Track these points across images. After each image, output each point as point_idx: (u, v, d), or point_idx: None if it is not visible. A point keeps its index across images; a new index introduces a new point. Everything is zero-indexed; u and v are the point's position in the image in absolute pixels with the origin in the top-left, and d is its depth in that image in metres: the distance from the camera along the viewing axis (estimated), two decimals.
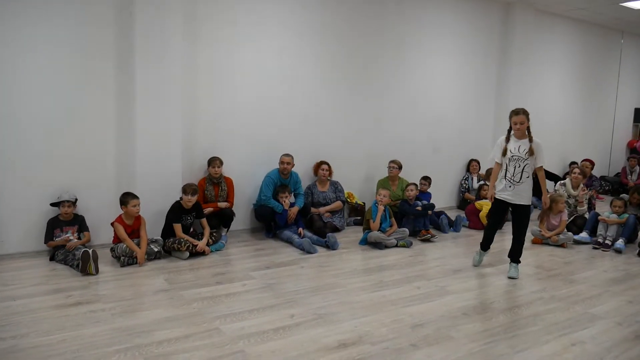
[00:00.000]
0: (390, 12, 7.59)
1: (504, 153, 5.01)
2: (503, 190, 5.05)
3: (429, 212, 6.74)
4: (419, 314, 4.05)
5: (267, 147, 6.65)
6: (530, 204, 5.08)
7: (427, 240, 6.43)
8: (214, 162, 6.08)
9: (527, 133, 4.92)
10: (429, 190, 7.61)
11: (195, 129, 6.15)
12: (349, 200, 7.36)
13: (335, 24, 7.10)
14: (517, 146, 4.95)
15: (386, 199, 6.27)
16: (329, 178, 7.02)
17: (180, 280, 4.72)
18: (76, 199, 5.36)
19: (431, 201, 7.34)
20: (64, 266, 4.97)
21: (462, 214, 7.62)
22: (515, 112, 4.90)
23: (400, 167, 7.25)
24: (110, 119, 5.62)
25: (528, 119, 4.88)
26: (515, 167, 4.95)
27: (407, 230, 6.32)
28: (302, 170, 6.92)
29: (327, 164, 6.98)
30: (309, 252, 5.71)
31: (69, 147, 5.43)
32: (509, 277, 5.08)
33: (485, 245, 5.43)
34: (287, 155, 6.47)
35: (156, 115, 5.65)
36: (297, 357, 3.28)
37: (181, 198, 5.52)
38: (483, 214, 7.15)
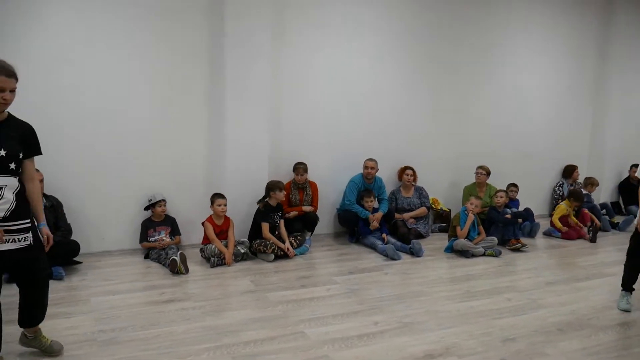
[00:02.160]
0: (475, 12, 7.33)
1: None
2: None
3: (519, 220, 6.43)
4: (509, 327, 3.87)
5: (352, 152, 6.64)
6: None
7: (518, 250, 6.13)
8: (299, 169, 6.16)
9: None
10: (517, 197, 7.28)
11: (281, 133, 6.26)
12: (433, 206, 7.20)
13: (420, 27, 6.97)
14: None
15: (477, 209, 6.06)
16: (413, 183, 6.90)
17: (265, 282, 4.81)
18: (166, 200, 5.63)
19: (520, 208, 7.04)
20: (157, 264, 5.21)
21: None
22: None
23: (488, 174, 7.00)
24: (201, 125, 5.84)
25: None
26: None
27: (495, 238, 6.07)
28: (386, 175, 6.85)
29: (412, 169, 6.86)
30: (393, 259, 5.63)
31: (163, 152, 5.71)
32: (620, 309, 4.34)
33: (626, 284, 4.44)
34: (371, 159, 6.43)
35: (244, 120, 5.81)
36: None
37: (266, 197, 5.64)
38: (555, 218, 6.93)
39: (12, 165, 2.83)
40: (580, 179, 8.28)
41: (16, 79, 2.77)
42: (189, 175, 5.86)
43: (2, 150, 2.78)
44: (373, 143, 6.77)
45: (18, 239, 2.86)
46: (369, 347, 3.49)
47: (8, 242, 2.83)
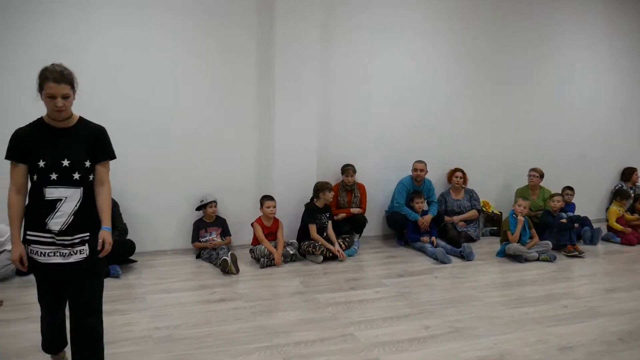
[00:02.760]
0: (527, 9, 7.14)
1: None
2: None
3: (575, 224, 6.21)
4: (567, 336, 3.74)
5: (400, 154, 6.58)
6: None
7: (575, 256, 5.92)
8: (347, 171, 6.15)
9: None
10: (573, 200, 7.05)
11: (330, 135, 6.27)
12: (484, 209, 7.05)
13: (469, 28, 6.84)
14: None
15: (525, 210, 5.89)
16: (463, 186, 6.78)
17: (315, 283, 4.82)
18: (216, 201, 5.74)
19: (575, 212, 6.80)
20: (208, 264, 5.31)
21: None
22: None
23: (542, 176, 6.79)
24: (251, 127, 5.93)
25: None
26: None
27: (550, 243, 5.89)
28: (436, 177, 6.75)
29: (462, 171, 6.74)
30: (443, 262, 5.55)
31: (214, 154, 5.82)
32: None
33: None
34: (420, 161, 6.35)
35: (293, 123, 5.85)
36: None
37: (314, 198, 5.67)
38: (612, 222, 6.75)
39: (77, 176, 2.63)
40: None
41: (70, 85, 2.55)
42: (240, 177, 5.96)
43: (66, 159, 2.59)
44: (422, 145, 6.69)
45: (74, 251, 2.65)
46: (420, 351, 3.44)
47: (59, 256, 2.63)
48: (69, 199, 2.62)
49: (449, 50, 6.79)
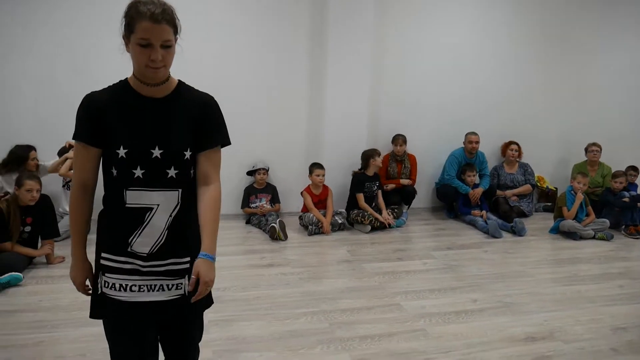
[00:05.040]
0: None
1: None
2: None
3: (639, 204, 5.94)
4: (621, 316, 3.62)
5: (452, 125, 6.44)
6: None
7: (636, 238, 5.68)
8: (397, 140, 6.08)
9: None
10: (636, 181, 6.73)
11: (382, 106, 6.20)
12: (539, 184, 6.84)
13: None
14: None
15: (585, 187, 5.68)
16: (517, 159, 6.58)
17: (362, 253, 4.84)
18: (268, 168, 5.79)
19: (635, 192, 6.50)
20: (258, 230, 5.42)
21: None
22: None
23: (600, 150, 6.50)
24: (302, 96, 5.93)
25: None
26: None
27: (607, 221, 5.67)
28: (489, 150, 6.59)
29: (517, 144, 6.54)
30: (494, 237, 5.45)
31: (267, 122, 5.87)
32: None
33: None
34: (474, 133, 6.20)
35: (344, 91, 5.81)
36: (480, 344, 3.15)
37: (363, 167, 5.65)
38: None
39: (172, 172, 1.75)
40: None
41: (174, 28, 1.67)
42: (291, 145, 6.00)
43: (157, 147, 1.72)
44: (476, 116, 6.52)
45: (167, 285, 1.81)
46: (467, 324, 3.42)
47: (148, 291, 1.80)
48: (162, 207, 1.75)
49: (505, 18, 6.52)
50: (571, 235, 5.53)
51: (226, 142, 1.90)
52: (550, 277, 4.36)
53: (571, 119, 6.99)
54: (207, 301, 1.94)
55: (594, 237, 5.54)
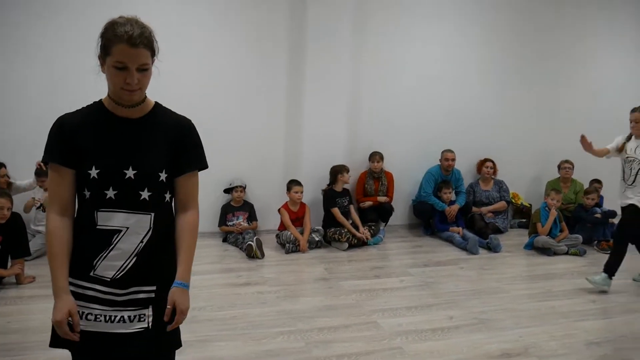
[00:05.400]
0: (566, 1, 6.96)
1: (620, 150, 4.48)
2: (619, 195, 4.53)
3: (610, 220, 6.06)
4: (595, 331, 3.67)
5: (429, 143, 6.51)
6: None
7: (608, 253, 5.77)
8: (374, 157, 6.13)
9: None
10: (601, 193, 6.86)
11: (359, 123, 6.25)
12: (513, 201, 6.94)
13: (505, 16, 6.71)
14: (635, 147, 4.39)
15: (558, 203, 5.78)
16: (493, 176, 6.68)
17: (339, 270, 4.84)
18: (246, 185, 5.77)
19: (604, 206, 6.63)
20: (235, 248, 5.38)
21: None
22: (632, 110, 4.45)
23: (572, 167, 6.64)
24: (281, 114, 5.95)
25: None
26: (631, 169, 4.36)
27: (580, 237, 5.77)
28: (465, 167, 6.67)
29: (492, 162, 6.64)
30: (472, 252, 5.49)
31: (244, 139, 5.85)
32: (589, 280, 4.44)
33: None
34: (450, 151, 6.28)
35: (323, 109, 5.88)
36: None
37: (332, 183, 5.69)
38: None
39: (145, 194, 1.69)
40: None
41: (151, 51, 1.64)
42: (268, 162, 5.99)
43: (131, 168, 1.67)
44: (452, 134, 6.61)
45: (129, 317, 1.71)
46: (444, 341, 3.43)
47: (109, 322, 1.70)
48: (131, 230, 1.68)
49: (482, 39, 6.67)
50: (545, 251, 5.60)
51: (204, 165, 1.86)
52: (525, 293, 4.41)
53: (544, 137, 7.12)
54: (176, 342, 1.83)
55: (567, 253, 5.63)
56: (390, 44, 6.24)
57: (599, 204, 6.38)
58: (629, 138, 4.50)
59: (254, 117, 5.86)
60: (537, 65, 6.96)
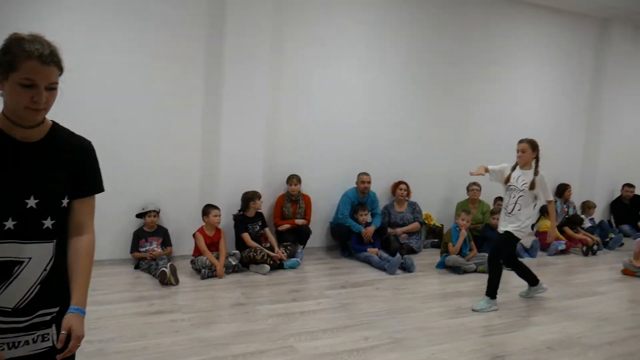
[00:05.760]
0: (475, 30, 7.43)
1: (506, 181, 4.73)
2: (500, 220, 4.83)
3: None
4: (500, 345, 3.86)
5: (346, 166, 6.64)
6: (517, 236, 4.64)
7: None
8: (292, 180, 6.16)
9: (532, 165, 4.64)
10: None
11: (277, 147, 6.26)
12: (426, 221, 7.20)
13: (420, 44, 7.04)
14: (517, 176, 4.66)
15: (468, 223, 6.06)
16: (407, 198, 6.90)
17: (256, 295, 4.78)
18: (159, 210, 5.60)
19: None
20: (147, 275, 5.17)
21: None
22: (520, 141, 4.72)
23: (480, 189, 7.03)
24: (196, 137, 5.83)
25: (533, 151, 4.61)
26: (510, 196, 4.66)
27: (487, 255, 6.06)
28: (380, 190, 6.85)
29: (406, 184, 6.87)
30: (390, 273, 5.62)
31: (157, 161, 5.68)
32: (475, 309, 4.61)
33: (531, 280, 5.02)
34: (366, 174, 6.44)
35: (240, 133, 5.82)
36: None
37: (243, 209, 5.67)
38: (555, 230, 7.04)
39: (49, 222, 1.63)
40: (573, 198, 8.32)
41: (60, 70, 1.59)
42: (183, 186, 5.84)
43: (32, 197, 1.59)
44: (367, 157, 6.78)
45: (32, 339, 1.66)
46: None
47: (13, 348, 1.63)
48: (34, 260, 1.61)
49: (398, 66, 6.94)
50: (455, 269, 5.84)
51: (100, 189, 1.83)
52: (437, 310, 4.56)
53: (453, 161, 7.47)
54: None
55: (475, 271, 5.89)
56: (307, 69, 6.34)
57: None
58: (514, 168, 4.74)
59: (168, 139, 5.70)
60: (446, 93, 7.34)
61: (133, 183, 5.58)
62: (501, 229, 4.70)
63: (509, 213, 4.64)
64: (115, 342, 3.59)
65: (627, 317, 4.66)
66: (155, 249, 5.45)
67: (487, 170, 4.86)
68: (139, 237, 5.48)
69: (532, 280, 4.99)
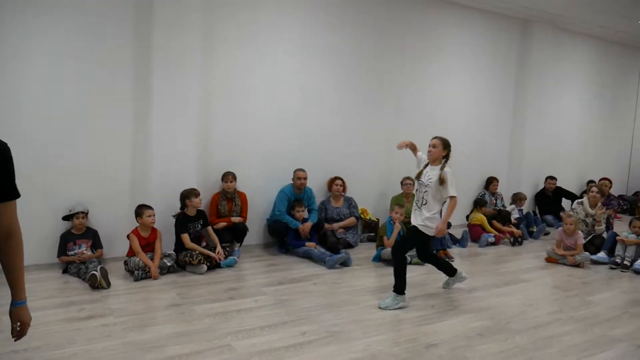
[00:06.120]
0: (408, 29, 7.61)
1: (417, 176, 4.79)
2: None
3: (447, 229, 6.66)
4: (433, 334, 3.98)
5: (281, 163, 6.64)
6: (422, 231, 4.62)
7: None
8: (227, 177, 6.09)
9: (442, 162, 4.66)
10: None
11: (211, 144, 6.17)
12: (362, 216, 7.31)
13: (352, 41, 7.13)
14: (427, 172, 4.70)
15: (402, 217, 6.21)
16: (342, 194, 6.99)
17: (192, 295, 4.70)
18: (88, 211, 5.39)
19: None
20: (76, 279, 4.98)
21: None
22: (433, 137, 4.75)
23: (414, 183, 7.21)
24: (127, 134, 5.66)
25: (444, 148, 4.65)
26: (419, 192, 4.72)
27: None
28: (316, 185, 6.90)
29: (341, 180, 6.95)
30: (330, 267, 5.69)
31: (86, 161, 5.47)
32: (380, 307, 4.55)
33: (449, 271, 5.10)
34: (302, 170, 6.46)
35: (171, 130, 5.70)
36: None
37: (183, 207, 5.56)
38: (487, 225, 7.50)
39: None
40: (501, 190, 8.70)
41: None
42: (113, 186, 5.65)
43: None
44: (303, 154, 6.81)
45: None
46: (296, 357, 3.48)
47: None
48: None
49: (331, 62, 6.99)
50: (391, 262, 5.93)
51: (15, 195, 1.90)
52: (373, 303, 4.65)
53: (387, 156, 7.63)
54: None
55: (410, 263, 6.02)
56: (240, 66, 6.27)
57: None
58: (427, 164, 4.79)
59: (96, 140, 5.50)
60: (379, 89, 7.47)
61: (59, 185, 5.35)
62: (412, 221, 4.74)
63: (418, 208, 4.69)
64: (42, 351, 3.43)
65: (551, 302, 4.93)
66: (85, 251, 5.25)
67: (412, 145, 4.95)
68: (66, 240, 5.25)
69: (449, 271, 5.07)
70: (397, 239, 6.00)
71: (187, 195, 5.51)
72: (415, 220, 4.70)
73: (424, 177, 4.69)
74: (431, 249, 5.25)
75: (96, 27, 5.38)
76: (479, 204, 7.96)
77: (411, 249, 5.02)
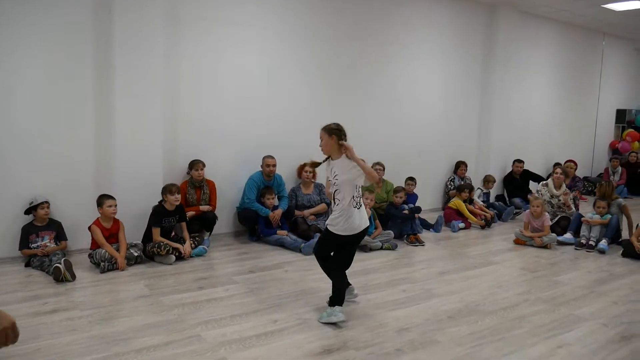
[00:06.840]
0: (374, 13, 7.56)
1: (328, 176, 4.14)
2: None
3: (416, 215, 6.70)
4: (404, 318, 3.99)
5: (250, 149, 6.55)
6: (330, 229, 3.94)
7: (416, 245, 6.36)
8: (197, 165, 5.97)
9: (342, 153, 4.06)
10: (414, 191, 7.58)
11: (177, 132, 6.04)
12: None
13: (319, 25, 7.04)
14: (330, 168, 4.12)
15: (372, 202, 6.21)
16: (313, 180, 6.94)
17: (160, 285, 4.61)
18: (49, 203, 5.22)
19: (417, 203, 7.35)
20: (40, 272, 4.83)
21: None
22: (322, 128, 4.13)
23: (384, 169, 7.22)
24: (89, 122, 5.49)
25: (330, 136, 4.11)
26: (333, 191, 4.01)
27: (392, 232, 6.27)
28: (286, 172, 6.83)
29: None
30: (306, 254, 5.66)
31: (46, 151, 5.29)
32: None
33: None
34: (271, 157, 6.38)
35: (136, 118, 5.55)
36: None
37: (163, 200, 5.41)
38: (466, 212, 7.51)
39: None
40: (469, 174, 8.79)
41: None
42: (75, 175, 5.48)
43: None
44: (272, 140, 6.72)
45: None
46: (267, 345, 3.45)
47: None
48: None
49: (298, 46, 6.90)
50: (362, 247, 5.96)
51: None
52: None
53: (357, 141, 7.51)
54: None
55: (381, 248, 6.06)
56: (206, 50, 6.13)
57: (407, 202, 7.00)
58: (326, 159, 4.30)
59: (57, 126, 5.32)
60: (347, 74, 7.42)
61: (19, 176, 5.17)
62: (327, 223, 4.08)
63: (335, 207, 4.00)
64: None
65: (519, 283, 5.00)
66: (48, 244, 5.10)
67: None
68: (28, 233, 5.08)
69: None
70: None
71: (169, 190, 5.36)
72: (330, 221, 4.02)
73: (330, 173, 4.09)
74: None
75: (54, 11, 5.18)
76: (462, 188, 7.75)
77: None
